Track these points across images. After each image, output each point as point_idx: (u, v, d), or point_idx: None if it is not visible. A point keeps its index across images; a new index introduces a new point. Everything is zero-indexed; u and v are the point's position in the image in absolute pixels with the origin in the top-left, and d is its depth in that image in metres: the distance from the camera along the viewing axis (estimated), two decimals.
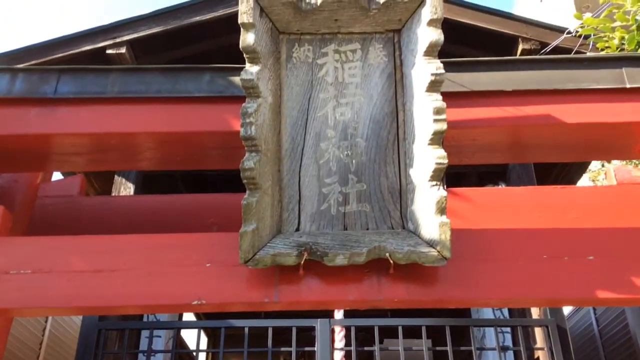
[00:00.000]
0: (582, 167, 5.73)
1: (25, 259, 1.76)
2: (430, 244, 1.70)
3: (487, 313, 4.97)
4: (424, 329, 3.88)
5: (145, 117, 1.94)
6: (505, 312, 4.99)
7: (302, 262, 1.70)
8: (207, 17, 5.15)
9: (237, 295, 1.73)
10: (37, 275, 1.72)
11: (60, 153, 2.00)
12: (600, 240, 1.79)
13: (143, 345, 4.84)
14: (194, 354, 4.05)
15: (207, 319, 6.89)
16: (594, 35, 3.68)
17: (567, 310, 5.27)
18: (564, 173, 5.49)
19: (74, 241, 1.83)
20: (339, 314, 4.44)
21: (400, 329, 3.89)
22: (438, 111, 1.76)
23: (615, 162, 3.81)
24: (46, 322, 6.27)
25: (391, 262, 1.70)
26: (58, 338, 6.61)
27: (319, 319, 3.99)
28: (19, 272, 1.72)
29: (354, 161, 1.86)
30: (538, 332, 4.32)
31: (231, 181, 1.77)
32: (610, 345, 6.52)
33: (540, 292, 1.71)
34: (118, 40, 5.08)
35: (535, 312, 4.38)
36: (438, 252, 1.69)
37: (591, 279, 1.70)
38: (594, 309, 6.95)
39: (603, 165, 7.24)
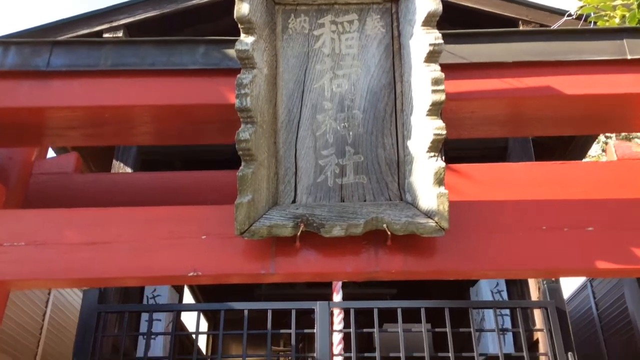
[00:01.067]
0: (582, 151, 5.71)
1: (18, 231, 1.74)
2: (428, 214, 1.68)
3: (486, 296, 4.97)
4: (423, 311, 3.87)
5: (140, 90, 1.92)
6: (505, 294, 4.99)
7: (299, 234, 1.68)
8: (203, 0, 5.12)
9: (234, 267, 1.71)
10: (31, 248, 1.70)
11: (54, 127, 1.98)
12: (600, 212, 1.77)
13: (143, 328, 4.84)
14: (194, 336, 4.03)
15: (207, 302, 6.90)
16: (594, 14, 3.65)
17: (566, 294, 5.27)
18: (564, 156, 5.47)
19: (68, 214, 1.81)
20: (337, 297, 4.43)
21: (399, 311, 3.89)
22: (436, 82, 1.73)
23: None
24: (46, 307, 6.28)
25: (388, 233, 1.69)
26: (58, 323, 6.62)
27: (318, 302, 3.99)
28: (13, 244, 1.71)
29: (351, 133, 1.84)
30: (537, 315, 4.31)
31: (234, 161, 1.74)
32: (609, 328, 6.53)
33: (539, 263, 1.69)
34: (115, 24, 5.05)
35: (534, 295, 4.38)
36: (436, 222, 1.67)
37: (591, 249, 1.69)
38: (593, 293, 6.96)
39: (604, 151, 7.21)
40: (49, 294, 6.39)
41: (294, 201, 1.79)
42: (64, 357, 6.33)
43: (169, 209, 1.82)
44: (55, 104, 1.90)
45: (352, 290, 6.11)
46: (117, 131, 2.00)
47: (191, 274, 1.68)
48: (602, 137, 7.97)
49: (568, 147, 5.49)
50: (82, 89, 1.91)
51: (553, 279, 4.21)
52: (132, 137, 2.11)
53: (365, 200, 1.79)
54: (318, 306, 3.97)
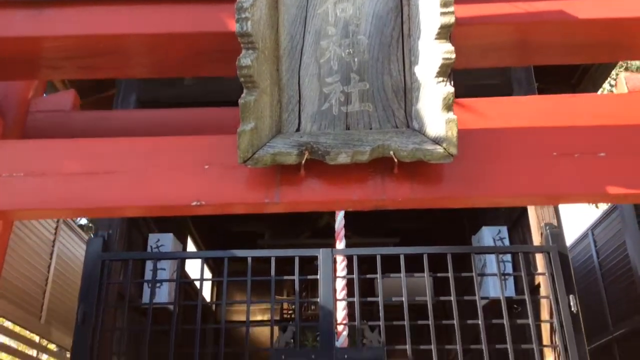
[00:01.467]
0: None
1: (17, 161, 1.71)
2: (436, 141, 1.64)
3: (488, 243, 4.98)
4: (425, 257, 3.89)
5: (136, 18, 1.85)
6: (507, 242, 5.01)
7: (304, 162, 1.65)
8: None
9: (237, 196, 1.68)
10: (30, 178, 1.67)
11: (49, 58, 1.92)
12: (612, 138, 1.73)
13: (147, 278, 4.88)
14: (198, 285, 4.06)
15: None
16: None
17: (567, 242, 5.26)
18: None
19: (68, 144, 1.77)
20: (340, 245, 4.45)
21: (402, 257, 3.90)
22: (445, 4, 1.67)
23: None
24: (50, 258, 6.33)
25: (395, 160, 1.65)
26: (63, 274, 6.68)
27: (321, 249, 4.00)
28: (12, 174, 1.67)
29: (356, 60, 1.78)
30: (539, 260, 4.33)
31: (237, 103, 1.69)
32: (609, 276, 6.58)
33: (549, 189, 1.66)
34: None
35: (536, 241, 4.38)
36: (444, 149, 1.63)
37: (602, 174, 1.65)
38: (594, 242, 6.99)
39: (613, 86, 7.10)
40: (53, 246, 6.43)
41: (298, 129, 1.75)
42: (69, 309, 6.40)
43: (171, 139, 1.78)
44: (50, 34, 1.83)
45: (355, 240, 6.13)
46: (114, 62, 1.94)
47: (194, 203, 1.65)
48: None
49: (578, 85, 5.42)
50: (76, 18, 1.84)
51: (555, 225, 4.20)
52: (129, 68, 2.04)
53: (371, 128, 1.74)
54: (321, 253, 3.98)
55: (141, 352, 3.66)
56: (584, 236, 7.16)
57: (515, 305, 4.65)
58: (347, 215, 4.58)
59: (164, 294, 4.85)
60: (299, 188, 1.68)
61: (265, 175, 1.68)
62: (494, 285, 4.82)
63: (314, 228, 7.02)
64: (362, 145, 1.65)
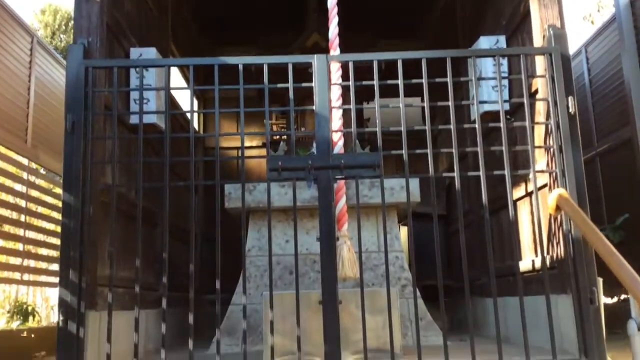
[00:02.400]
0: None
1: None
2: None
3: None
4: (424, 62, 3.74)
5: None
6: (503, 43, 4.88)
7: None
8: None
9: None
10: None
11: None
12: None
13: (133, 93, 4.73)
14: (189, 94, 3.92)
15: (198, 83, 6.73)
16: None
17: None
18: None
19: None
20: (335, 52, 4.27)
21: (400, 62, 3.75)
22: None
23: None
24: (29, 81, 6.10)
25: None
26: (44, 98, 6.50)
27: (315, 55, 3.82)
28: None
29: None
30: (539, 65, 4.24)
31: None
32: (598, 92, 6.59)
33: None
34: None
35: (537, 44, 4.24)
36: None
37: None
38: (587, 59, 6.89)
39: None
40: (30, 67, 6.17)
41: None
42: (55, 135, 6.30)
43: None
44: None
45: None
46: None
47: None
48: None
49: None
50: None
51: (559, 27, 4.04)
52: None
53: None
54: (316, 59, 3.80)
55: (133, 164, 3.62)
56: (577, 53, 7.05)
57: (508, 117, 4.65)
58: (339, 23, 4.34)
59: (152, 109, 4.74)
60: None
61: None
62: (488, 96, 4.77)
63: (302, 47, 6.77)
64: None
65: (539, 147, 3.92)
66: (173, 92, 6.69)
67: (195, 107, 8.36)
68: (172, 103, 6.39)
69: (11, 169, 6.20)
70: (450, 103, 3.69)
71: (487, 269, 3.42)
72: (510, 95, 4.82)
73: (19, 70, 5.88)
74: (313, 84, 3.72)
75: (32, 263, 6.61)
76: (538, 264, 4.23)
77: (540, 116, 4.20)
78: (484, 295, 5.26)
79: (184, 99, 8.69)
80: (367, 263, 5.04)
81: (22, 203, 6.21)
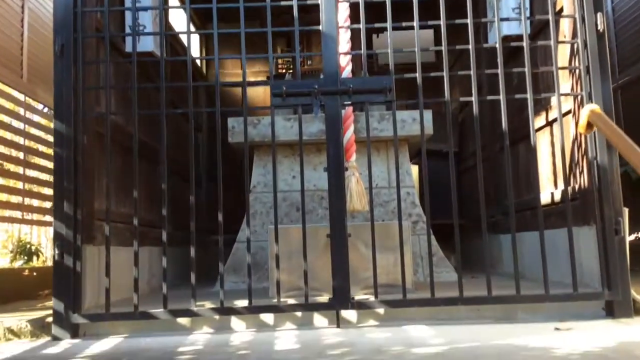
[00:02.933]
0: None
1: None
2: None
3: None
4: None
5: None
6: None
7: None
8: None
9: None
10: None
11: None
12: None
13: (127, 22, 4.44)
14: (186, 39, 3.64)
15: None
16: None
17: None
18: None
19: None
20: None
21: (415, 1, 3.39)
22: None
23: None
24: (23, 12, 5.81)
25: None
26: (39, 32, 6.21)
27: None
28: None
29: None
30: None
31: None
32: (622, 21, 6.20)
33: None
34: None
35: None
36: None
37: None
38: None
39: None
40: (22, 6, 5.87)
41: None
42: (51, 68, 6.03)
43: None
44: None
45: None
46: None
47: None
48: None
49: None
50: None
51: None
52: None
53: None
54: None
55: (130, 94, 3.38)
56: None
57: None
58: None
59: (149, 41, 4.43)
60: None
61: None
62: (508, 27, 4.40)
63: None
64: None
65: (564, 67, 3.63)
66: (182, 36, 6.34)
67: (195, 41, 8.02)
68: (172, 36, 6.07)
69: (9, 105, 5.98)
70: (469, 21, 3.40)
71: (500, 206, 3.21)
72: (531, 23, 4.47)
73: (10, 1, 5.57)
74: (320, 27, 3.41)
75: (34, 202, 6.48)
76: (557, 197, 4.01)
77: (564, 38, 3.88)
78: (498, 231, 5.08)
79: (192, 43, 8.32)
80: (377, 199, 4.84)
81: (21, 140, 6.02)
